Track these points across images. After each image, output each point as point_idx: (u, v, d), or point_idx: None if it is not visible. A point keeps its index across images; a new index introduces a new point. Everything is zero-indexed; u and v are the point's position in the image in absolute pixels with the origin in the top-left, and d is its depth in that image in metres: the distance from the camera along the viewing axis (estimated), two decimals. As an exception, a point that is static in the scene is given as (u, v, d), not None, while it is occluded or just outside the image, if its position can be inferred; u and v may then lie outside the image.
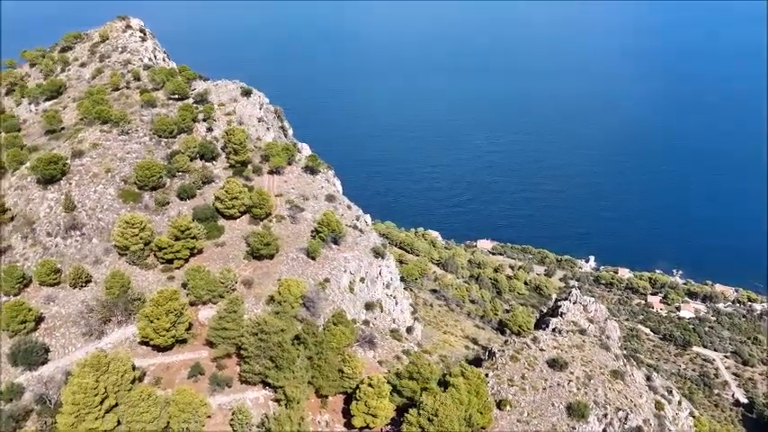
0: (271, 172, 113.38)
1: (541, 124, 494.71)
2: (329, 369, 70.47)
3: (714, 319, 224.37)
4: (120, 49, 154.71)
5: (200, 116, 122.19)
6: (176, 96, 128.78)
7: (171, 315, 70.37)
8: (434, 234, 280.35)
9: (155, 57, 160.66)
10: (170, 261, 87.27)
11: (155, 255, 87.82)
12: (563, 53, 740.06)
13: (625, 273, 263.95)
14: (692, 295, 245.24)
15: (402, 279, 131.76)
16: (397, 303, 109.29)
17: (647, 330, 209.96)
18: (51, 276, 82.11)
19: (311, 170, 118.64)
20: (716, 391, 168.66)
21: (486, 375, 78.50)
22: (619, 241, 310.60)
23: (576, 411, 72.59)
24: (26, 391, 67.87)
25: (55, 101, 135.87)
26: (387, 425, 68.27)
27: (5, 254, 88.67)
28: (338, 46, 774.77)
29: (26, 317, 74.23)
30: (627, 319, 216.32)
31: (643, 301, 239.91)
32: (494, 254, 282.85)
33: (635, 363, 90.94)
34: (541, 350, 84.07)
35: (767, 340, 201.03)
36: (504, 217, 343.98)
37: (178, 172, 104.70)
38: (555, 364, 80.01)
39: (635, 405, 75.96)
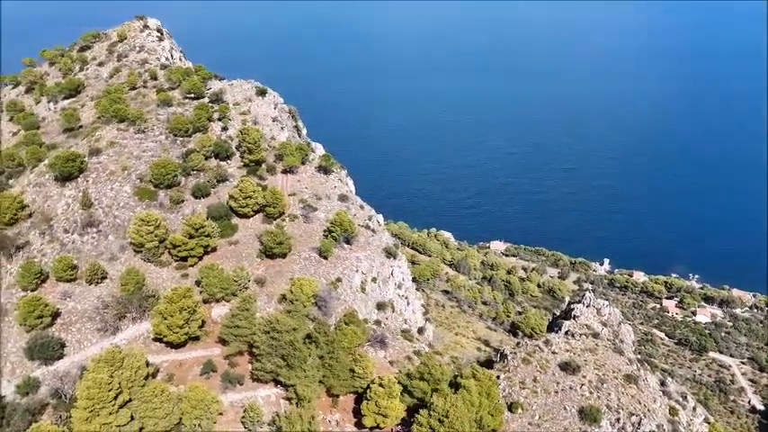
0: (284, 171, 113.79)
1: (558, 124, 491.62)
2: (340, 368, 70.58)
3: (731, 324, 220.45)
4: (137, 49, 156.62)
5: (216, 115, 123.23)
6: (192, 96, 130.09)
7: (184, 312, 71.06)
8: (447, 235, 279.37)
9: (171, 56, 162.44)
10: (184, 259, 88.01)
11: (169, 252, 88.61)
12: (575, 53, 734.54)
13: (640, 276, 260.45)
14: (709, 300, 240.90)
15: (414, 280, 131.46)
16: (408, 304, 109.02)
17: (662, 335, 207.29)
18: (68, 272, 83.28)
19: (324, 170, 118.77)
20: (732, 398, 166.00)
21: (498, 377, 77.97)
22: (634, 244, 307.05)
23: (589, 415, 71.89)
24: (42, 386, 68.92)
25: (73, 99, 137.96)
26: (397, 425, 68.11)
27: (23, 250, 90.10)
28: (364, 46, 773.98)
29: (43, 312, 75.49)
30: (641, 323, 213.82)
31: (658, 305, 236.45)
32: (507, 255, 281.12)
33: (649, 367, 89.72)
34: (554, 353, 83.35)
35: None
36: (518, 219, 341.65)
37: (193, 170, 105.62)
38: (567, 367, 79.27)
39: (648, 410, 74.97)
